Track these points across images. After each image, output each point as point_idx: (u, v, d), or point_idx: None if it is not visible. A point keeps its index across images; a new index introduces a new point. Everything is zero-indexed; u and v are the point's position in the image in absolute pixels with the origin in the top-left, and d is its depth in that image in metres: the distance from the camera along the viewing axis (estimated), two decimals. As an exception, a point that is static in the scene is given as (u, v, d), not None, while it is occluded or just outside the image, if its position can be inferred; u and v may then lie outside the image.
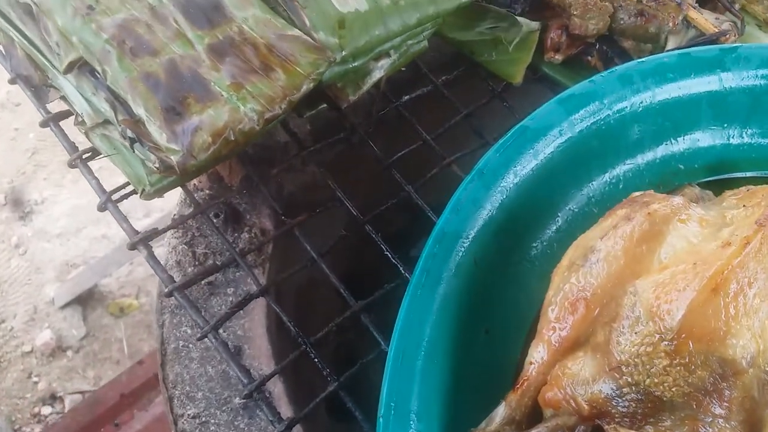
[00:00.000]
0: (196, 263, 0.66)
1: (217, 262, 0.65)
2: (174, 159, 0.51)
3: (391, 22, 0.59)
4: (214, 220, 0.66)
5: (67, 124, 0.63)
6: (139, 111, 0.52)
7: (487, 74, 0.73)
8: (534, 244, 0.55)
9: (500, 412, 0.45)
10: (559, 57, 0.69)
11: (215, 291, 0.65)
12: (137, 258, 1.70)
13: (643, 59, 0.58)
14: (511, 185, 0.53)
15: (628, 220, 0.47)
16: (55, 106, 0.63)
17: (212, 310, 0.64)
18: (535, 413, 0.46)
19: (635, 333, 0.42)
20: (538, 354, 0.46)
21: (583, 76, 0.68)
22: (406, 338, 0.46)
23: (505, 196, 0.53)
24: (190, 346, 0.63)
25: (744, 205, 0.46)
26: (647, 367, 0.42)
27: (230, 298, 0.65)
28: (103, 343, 1.72)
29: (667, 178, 0.58)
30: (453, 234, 0.50)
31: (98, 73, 0.55)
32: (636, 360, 0.42)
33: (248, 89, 0.54)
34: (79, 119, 0.58)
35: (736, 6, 0.72)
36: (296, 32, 0.56)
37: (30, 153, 2.00)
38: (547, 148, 0.55)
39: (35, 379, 1.65)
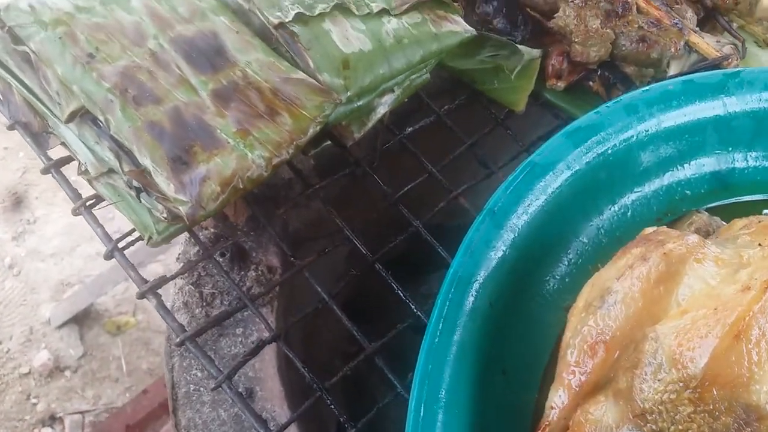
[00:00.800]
0: (204, 304, 0.65)
1: (225, 302, 0.65)
2: (183, 210, 0.50)
3: (395, 61, 0.58)
4: (220, 260, 0.65)
5: (69, 170, 0.62)
6: (145, 161, 0.52)
7: (489, 101, 0.72)
8: (546, 279, 0.54)
9: (522, 458, 0.45)
10: (561, 84, 0.69)
11: (224, 332, 0.64)
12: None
13: (648, 87, 0.58)
14: (523, 223, 0.53)
15: (644, 261, 0.46)
16: (56, 152, 0.62)
17: (222, 352, 0.63)
18: (557, 459, 0.46)
19: (658, 380, 0.42)
20: (558, 398, 0.46)
21: (585, 101, 0.68)
22: (425, 390, 0.46)
23: (516, 234, 0.53)
24: (201, 389, 0.62)
25: (760, 244, 0.46)
26: (671, 414, 0.41)
27: (239, 339, 0.64)
28: (101, 361, 1.71)
29: (674, 205, 0.58)
30: (467, 277, 0.50)
31: (101, 122, 0.54)
32: (660, 407, 0.42)
33: (255, 135, 0.53)
34: (83, 168, 0.57)
35: (734, 25, 0.71)
36: (301, 75, 0.56)
37: (21, 172, 1.98)
38: (555, 182, 0.54)
39: (34, 400, 1.64)
